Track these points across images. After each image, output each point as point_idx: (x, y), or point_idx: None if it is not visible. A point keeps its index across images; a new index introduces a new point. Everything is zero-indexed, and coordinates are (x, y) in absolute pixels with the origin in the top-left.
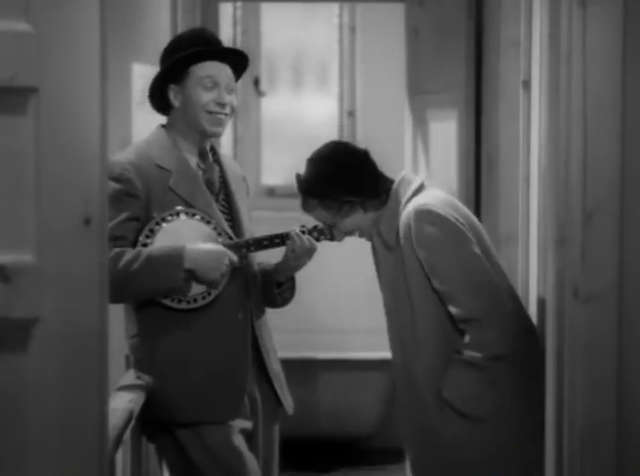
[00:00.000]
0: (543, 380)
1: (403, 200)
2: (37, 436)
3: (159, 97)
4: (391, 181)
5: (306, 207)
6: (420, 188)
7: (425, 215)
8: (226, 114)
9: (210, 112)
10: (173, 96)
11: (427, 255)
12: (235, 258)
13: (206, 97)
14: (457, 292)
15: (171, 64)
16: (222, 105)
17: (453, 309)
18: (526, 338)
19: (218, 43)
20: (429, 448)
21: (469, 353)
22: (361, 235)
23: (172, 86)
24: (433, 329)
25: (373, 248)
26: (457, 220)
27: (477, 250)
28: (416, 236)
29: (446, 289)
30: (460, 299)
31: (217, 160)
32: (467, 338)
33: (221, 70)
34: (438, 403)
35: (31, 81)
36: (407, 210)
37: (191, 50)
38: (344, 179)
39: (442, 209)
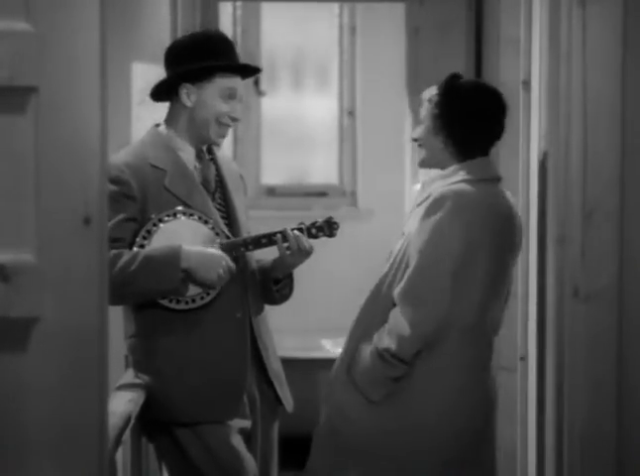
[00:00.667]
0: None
1: (469, 177)
2: (36, 436)
3: (164, 88)
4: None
5: (428, 97)
6: (492, 181)
7: (448, 197)
8: (231, 127)
9: (221, 124)
10: (186, 95)
11: (420, 226)
12: (233, 265)
13: (223, 108)
14: (410, 274)
15: (201, 69)
16: (234, 119)
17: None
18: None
19: (235, 50)
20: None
21: (380, 339)
22: (420, 156)
23: (188, 85)
24: (382, 297)
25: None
26: (471, 226)
27: (456, 261)
28: (427, 207)
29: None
30: (406, 281)
31: (213, 158)
32: (386, 324)
33: (238, 83)
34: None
35: (31, 81)
36: (450, 185)
37: (223, 60)
38: (468, 113)
39: (468, 208)
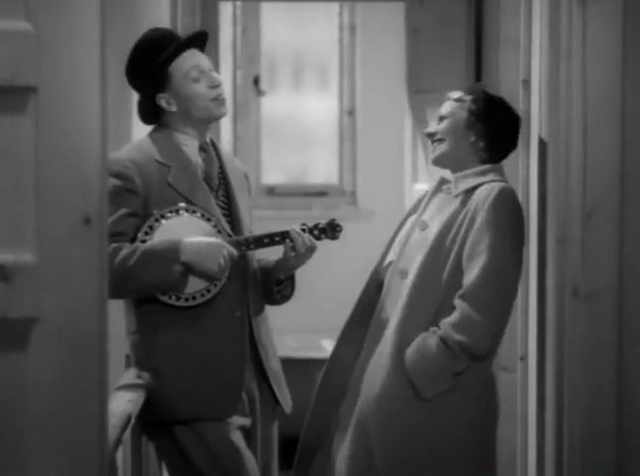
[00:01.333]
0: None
1: (490, 176)
2: (36, 436)
3: (147, 111)
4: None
5: (452, 93)
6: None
7: (510, 196)
8: (223, 92)
9: (213, 99)
10: (166, 103)
11: (488, 231)
12: (234, 251)
13: (201, 88)
14: (484, 271)
15: (153, 71)
16: (217, 86)
17: (468, 278)
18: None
19: (175, 34)
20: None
21: (449, 333)
22: (436, 149)
23: (161, 95)
24: (433, 294)
25: (427, 194)
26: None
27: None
28: (492, 213)
29: (480, 260)
30: (479, 277)
31: (217, 155)
32: (451, 319)
33: (196, 56)
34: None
35: (30, 81)
36: (498, 188)
37: (165, 53)
38: (504, 125)
39: (520, 210)
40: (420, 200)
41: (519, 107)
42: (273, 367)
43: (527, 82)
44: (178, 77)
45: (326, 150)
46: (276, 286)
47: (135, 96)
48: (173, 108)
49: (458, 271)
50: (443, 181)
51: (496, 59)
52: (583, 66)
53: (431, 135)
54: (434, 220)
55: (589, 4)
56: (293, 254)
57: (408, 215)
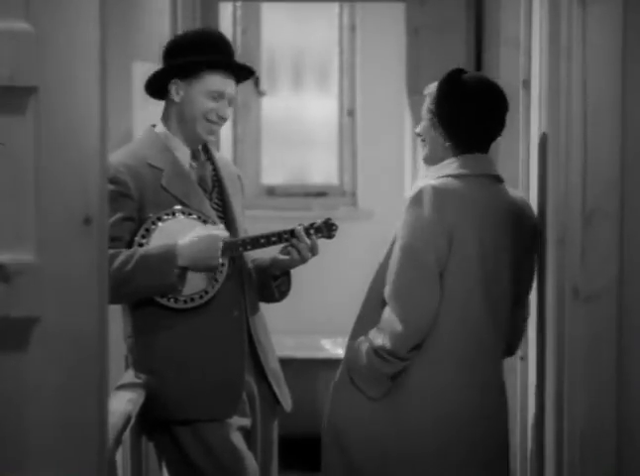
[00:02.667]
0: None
1: (457, 172)
2: (36, 435)
3: (157, 84)
4: (475, 154)
5: (427, 89)
6: (480, 178)
7: (422, 192)
8: (220, 126)
9: (208, 121)
10: (175, 90)
11: (401, 225)
12: (227, 234)
13: (210, 106)
14: (391, 269)
15: (186, 63)
16: (222, 118)
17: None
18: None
19: (230, 50)
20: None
21: (374, 336)
22: (423, 152)
23: (177, 81)
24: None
25: None
26: (443, 220)
27: (429, 257)
28: (407, 205)
29: (392, 261)
30: (390, 279)
31: (210, 158)
32: (379, 323)
33: (228, 84)
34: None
35: (30, 81)
36: (420, 183)
37: (210, 57)
38: (465, 109)
39: (439, 201)
40: None
41: (519, 107)
42: (272, 366)
43: (527, 82)
44: (204, 84)
45: (326, 150)
46: (274, 282)
47: (135, 96)
48: (177, 99)
49: None
50: None
51: (496, 58)
52: (583, 67)
53: (418, 135)
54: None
55: (589, 4)
56: (287, 257)
57: None
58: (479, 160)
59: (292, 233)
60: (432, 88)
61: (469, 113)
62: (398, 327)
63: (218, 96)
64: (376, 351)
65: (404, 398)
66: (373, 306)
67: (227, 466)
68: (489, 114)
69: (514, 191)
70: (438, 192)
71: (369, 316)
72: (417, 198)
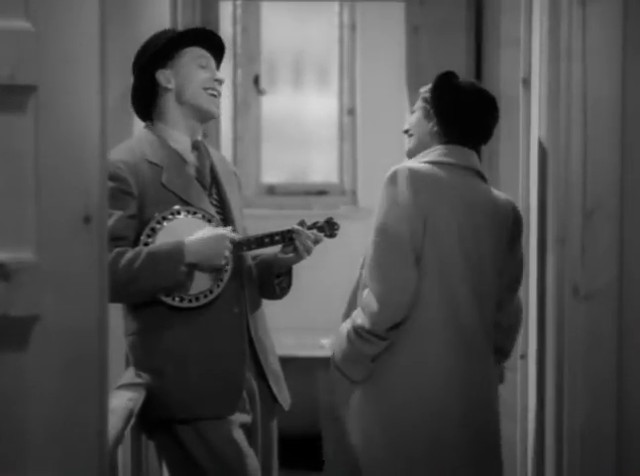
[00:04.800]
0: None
1: (440, 159)
2: (36, 435)
3: (144, 95)
4: (463, 145)
5: (422, 89)
6: (454, 166)
7: (395, 171)
8: (220, 93)
9: (207, 89)
10: (165, 78)
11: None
12: (235, 236)
13: (204, 74)
14: (368, 254)
15: (163, 44)
16: (219, 82)
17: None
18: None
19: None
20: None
21: (355, 316)
22: (408, 143)
23: (162, 71)
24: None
25: None
26: (417, 196)
27: (402, 226)
28: (381, 190)
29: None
30: (367, 260)
31: (207, 154)
32: (362, 299)
33: (208, 55)
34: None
35: (30, 80)
36: (406, 163)
37: (179, 32)
38: (461, 107)
39: (412, 179)
40: None
41: (519, 106)
42: (271, 364)
43: (527, 81)
44: (186, 58)
45: (326, 149)
46: (276, 279)
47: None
48: (170, 85)
49: None
50: None
51: (497, 58)
52: (583, 65)
53: (405, 131)
54: None
55: (589, 4)
56: (290, 255)
57: None
58: (464, 152)
59: (295, 231)
60: (426, 89)
61: (466, 106)
62: (375, 306)
63: (206, 65)
64: (356, 330)
65: (387, 379)
66: (357, 292)
67: (229, 463)
68: (484, 113)
69: (497, 191)
70: (413, 174)
71: (353, 302)
72: (392, 179)
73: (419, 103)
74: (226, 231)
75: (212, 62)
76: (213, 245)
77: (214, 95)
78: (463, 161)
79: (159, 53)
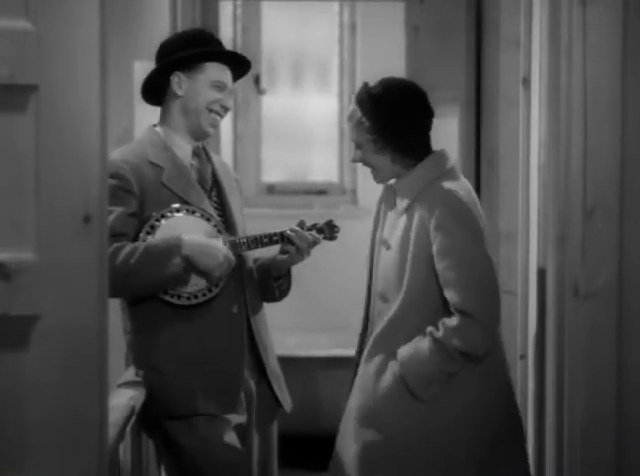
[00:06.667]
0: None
1: (433, 174)
2: (36, 434)
3: (156, 83)
4: (430, 150)
5: (351, 117)
6: (452, 171)
7: (454, 203)
8: (222, 117)
9: (211, 111)
10: (178, 84)
11: (444, 238)
12: (232, 257)
13: (215, 96)
14: (462, 282)
15: (190, 55)
16: (224, 109)
17: (451, 296)
18: (496, 344)
19: (223, 46)
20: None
21: (447, 337)
22: (374, 175)
23: (180, 74)
24: (420, 306)
25: (381, 205)
26: (480, 217)
27: (490, 252)
28: (439, 218)
29: (452, 276)
30: (462, 291)
31: (208, 158)
32: (452, 322)
33: (228, 76)
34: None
35: (31, 79)
36: (437, 190)
37: (211, 48)
38: (401, 122)
39: (470, 204)
40: (378, 212)
41: (519, 105)
42: (272, 365)
43: (527, 81)
44: (206, 74)
45: (326, 149)
46: (275, 281)
47: (136, 95)
48: (180, 92)
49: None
50: (388, 190)
51: (497, 57)
52: (583, 65)
53: (354, 161)
54: (392, 237)
55: (589, 4)
56: (288, 255)
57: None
58: (440, 158)
59: (293, 232)
60: (352, 114)
61: (405, 124)
62: (479, 331)
63: (222, 87)
64: (447, 349)
65: (451, 396)
66: (409, 310)
67: (221, 462)
68: (416, 114)
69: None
70: (467, 203)
71: (406, 321)
72: (459, 213)
73: (357, 135)
74: (225, 248)
75: (229, 84)
76: (208, 248)
77: (215, 118)
78: (445, 167)
79: (183, 59)
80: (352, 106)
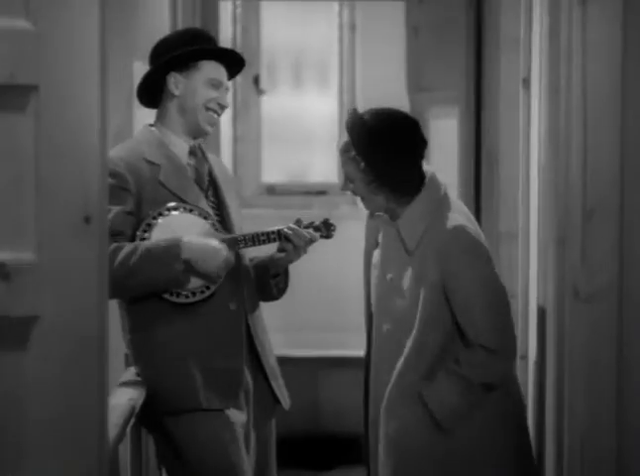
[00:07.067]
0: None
1: (432, 207)
2: (36, 434)
3: (152, 84)
4: (423, 178)
5: (344, 151)
6: (446, 197)
7: (465, 242)
8: (219, 115)
9: (208, 109)
10: (174, 84)
11: (462, 281)
12: (232, 257)
13: (211, 94)
14: (484, 319)
15: (185, 53)
16: (221, 107)
17: (473, 333)
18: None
19: (217, 44)
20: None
21: (475, 374)
22: (365, 205)
23: (175, 74)
24: (436, 340)
25: (377, 233)
26: (485, 242)
27: (500, 280)
28: (454, 262)
29: (473, 313)
30: (478, 324)
31: (205, 158)
32: (476, 358)
33: (224, 73)
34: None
35: (31, 79)
36: (444, 228)
37: (206, 46)
38: (397, 165)
39: (478, 235)
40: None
41: (519, 106)
42: (271, 363)
43: (527, 81)
44: (202, 72)
45: (326, 149)
46: (273, 279)
47: (135, 96)
48: (176, 92)
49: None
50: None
51: (497, 57)
52: (583, 65)
53: (347, 190)
54: (403, 281)
55: (589, 4)
56: (285, 253)
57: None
58: (434, 187)
59: (290, 229)
60: (345, 146)
61: (399, 165)
62: (501, 363)
63: (218, 84)
64: (473, 383)
65: (473, 426)
66: (428, 347)
67: (219, 459)
68: (410, 148)
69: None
70: (475, 235)
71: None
72: (471, 249)
73: (351, 170)
74: (225, 248)
75: (224, 82)
76: (209, 251)
77: (213, 116)
78: (444, 190)
79: (177, 58)
80: (345, 139)
